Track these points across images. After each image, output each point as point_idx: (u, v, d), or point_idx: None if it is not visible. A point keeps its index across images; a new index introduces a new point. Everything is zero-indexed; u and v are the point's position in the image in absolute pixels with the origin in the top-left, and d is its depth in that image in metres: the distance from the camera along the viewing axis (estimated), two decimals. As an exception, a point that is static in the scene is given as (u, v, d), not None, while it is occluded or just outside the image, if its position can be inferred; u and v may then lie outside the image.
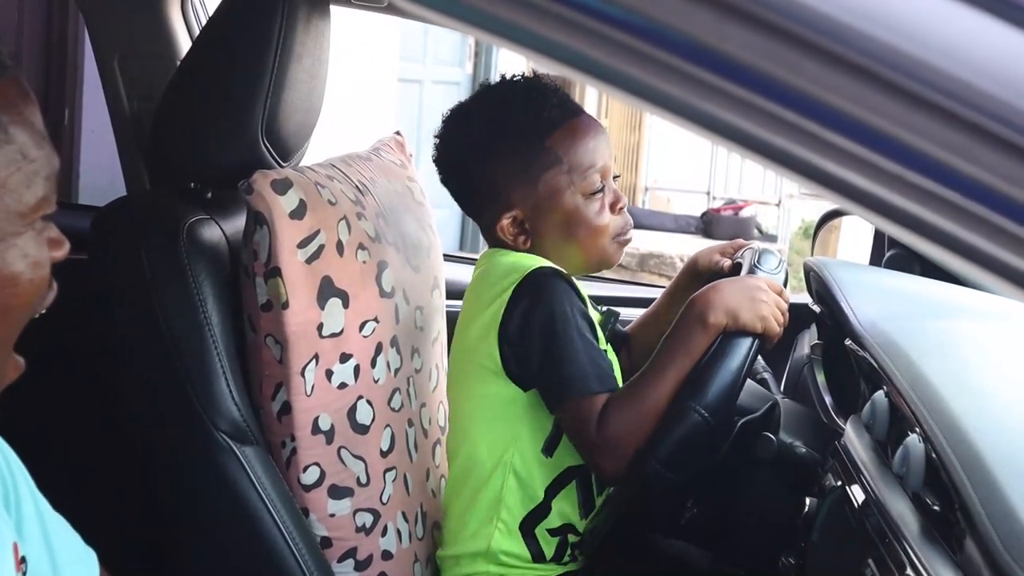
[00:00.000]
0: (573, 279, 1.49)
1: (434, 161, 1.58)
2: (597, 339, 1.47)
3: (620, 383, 1.57)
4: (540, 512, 1.51)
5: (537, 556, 1.52)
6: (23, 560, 0.94)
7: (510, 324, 1.45)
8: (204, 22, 1.99)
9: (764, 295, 1.42)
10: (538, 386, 1.47)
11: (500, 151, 1.51)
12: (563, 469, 1.51)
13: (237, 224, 1.44)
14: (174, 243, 1.36)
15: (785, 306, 1.45)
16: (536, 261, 1.48)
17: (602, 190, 1.50)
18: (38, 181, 0.83)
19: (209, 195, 1.48)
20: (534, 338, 1.44)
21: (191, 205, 1.43)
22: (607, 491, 1.54)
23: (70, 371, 1.73)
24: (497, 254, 1.54)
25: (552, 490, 1.51)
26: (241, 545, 1.39)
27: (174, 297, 1.35)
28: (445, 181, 1.57)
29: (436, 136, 1.58)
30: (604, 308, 1.59)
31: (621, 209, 1.51)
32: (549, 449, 1.50)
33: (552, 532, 1.52)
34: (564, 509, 1.52)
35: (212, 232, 1.42)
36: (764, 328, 1.41)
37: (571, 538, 1.54)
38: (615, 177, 1.52)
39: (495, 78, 1.60)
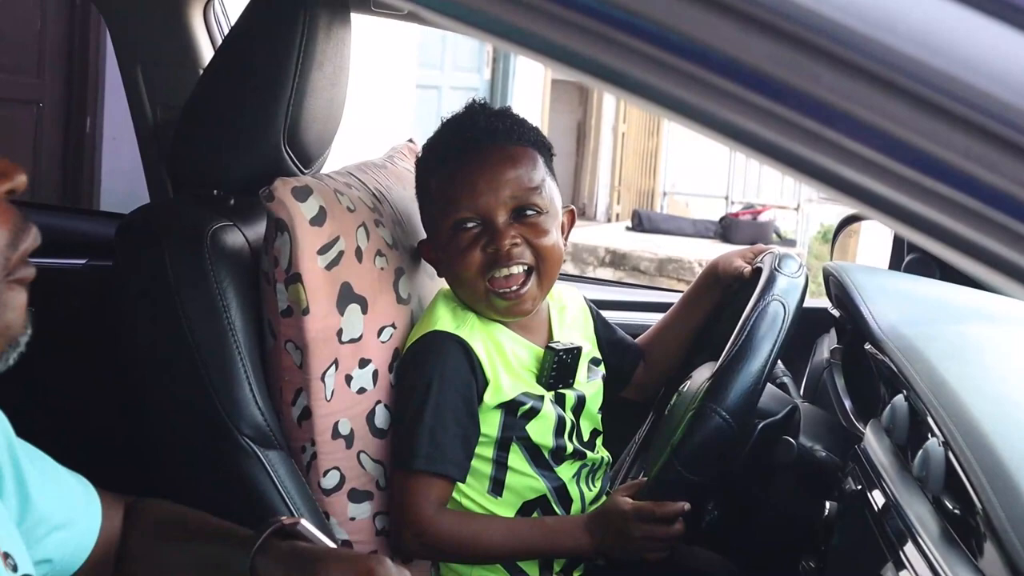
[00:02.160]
0: (467, 341, 1.46)
1: None
2: (469, 414, 1.46)
3: (598, 418, 1.60)
4: None
5: None
6: (7, 556, 0.95)
7: (394, 379, 1.50)
8: (226, 30, 2.01)
9: (634, 528, 1.42)
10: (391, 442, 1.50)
11: (417, 180, 1.57)
12: (519, 506, 1.52)
13: (260, 231, 1.45)
14: (198, 250, 1.37)
15: (660, 531, 1.43)
16: (440, 317, 1.49)
17: (475, 228, 1.46)
18: None
19: (232, 202, 1.49)
20: (400, 399, 1.49)
21: (214, 212, 1.44)
22: (575, 512, 1.54)
23: (95, 376, 1.74)
24: (433, 300, 1.56)
25: None
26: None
27: (198, 303, 1.36)
28: None
29: None
30: (564, 346, 1.54)
31: (494, 252, 1.44)
32: (495, 491, 1.51)
33: None
34: None
35: (235, 239, 1.43)
36: (645, 552, 1.44)
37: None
38: (525, 211, 1.46)
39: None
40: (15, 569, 0.94)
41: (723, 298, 1.72)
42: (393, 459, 1.48)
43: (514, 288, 1.47)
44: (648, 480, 1.46)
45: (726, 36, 0.46)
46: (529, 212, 1.46)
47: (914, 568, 1.10)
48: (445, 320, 1.49)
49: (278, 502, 1.38)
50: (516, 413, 1.49)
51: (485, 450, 1.49)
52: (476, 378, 1.46)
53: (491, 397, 1.47)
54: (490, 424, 1.48)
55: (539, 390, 1.51)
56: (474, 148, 1.47)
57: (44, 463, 1.06)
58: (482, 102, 1.56)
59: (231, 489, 1.39)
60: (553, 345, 1.52)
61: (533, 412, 1.49)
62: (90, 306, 1.75)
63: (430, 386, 1.44)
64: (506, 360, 1.49)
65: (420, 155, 1.57)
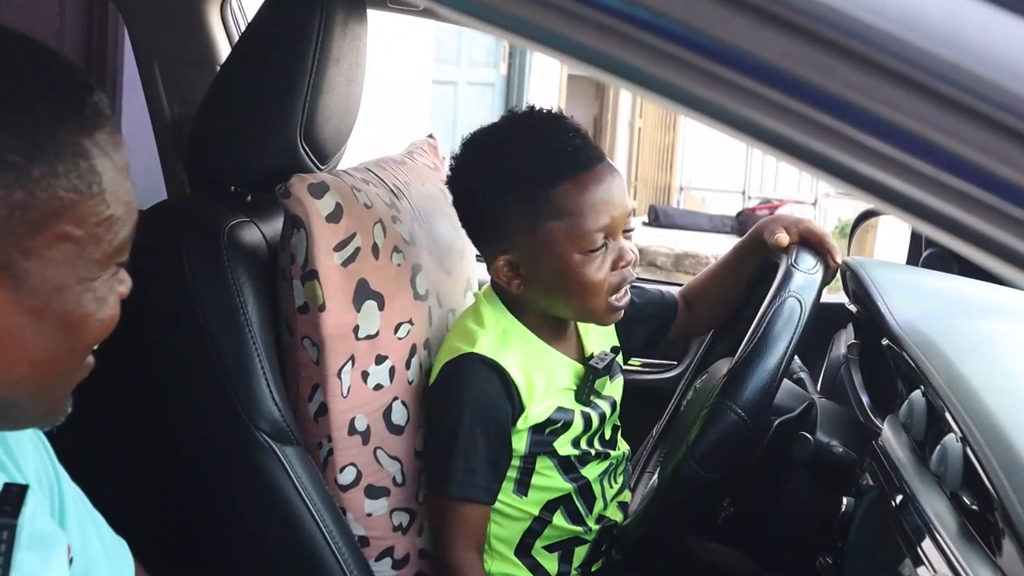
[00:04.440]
0: (507, 368, 1.44)
1: (447, 183, 1.53)
2: (502, 440, 1.45)
3: (613, 413, 1.58)
4: (533, 535, 1.53)
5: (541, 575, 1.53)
6: (70, 561, 0.96)
7: (428, 399, 1.50)
8: (243, 27, 2.01)
9: None
10: (425, 464, 1.51)
11: (506, 191, 1.44)
12: (544, 503, 1.52)
13: (277, 227, 1.46)
14: (215, 246, 1.37)
15: None
16: (481, 336, 1.46)
17: (604, 247, 1.43)
18: (121, 232, 0.85)
19: (249, 198, 1.50)
20: (432, 421, 1.49)
21: (231, 208, 1.45)
22: (598, 511, 1.55)
23: (109, 373, 1.75)
24: (475, 307, 1.53)
25: (539, 520, 1.52)
26: (281, 544, 1.41)
27: (215, 299, 1.36)
28: (456, 205, 1.53)
29: (452, 158, 1.53)
30: (602, 357, 1.53)
31: (624, 266, 1.45)
32: (521, 491, 1.51)
33: (551, 548, 1.53)
34: (559, 526, 1.53)
35: (252, 235, 1.43)
36: None
37: (579, 551, 1.54)
38: (628, 231, 1.47)
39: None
40: (71, 562, 0.96)
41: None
42: (428, 481, 1.49)
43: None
44: (663, 478, 1.46)
45: (741, 32, 0.46)
46: (628, 230, 1.47)
47: (932, 564, 1.09)
48: (485, 341, 1.46)
49: (295, 498, 1.38)
50: (545, 431, 1.48)
51: (512, 461, 1.49)
52: (513, 405, 1.45)
53: (523, 423, 1.46)
54: (518, 442, 1.48)
55: (574, 405, 1.51)
56: (588, 162, 1.42)
57: (93, 523, 1.07)
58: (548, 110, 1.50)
59: (248, 484, 1.40)
60: (594, 364, 1.51)
61: (564, 428, 1.49)
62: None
63: (465, 411, 1.43)
64: (547, 381, 1.49)
65: (503, 168, 1.44)
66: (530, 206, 1.42)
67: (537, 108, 1.50)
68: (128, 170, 0.87)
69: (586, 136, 1.46)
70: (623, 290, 1.46)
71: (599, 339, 1.60)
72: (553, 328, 1.52)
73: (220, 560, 1.49)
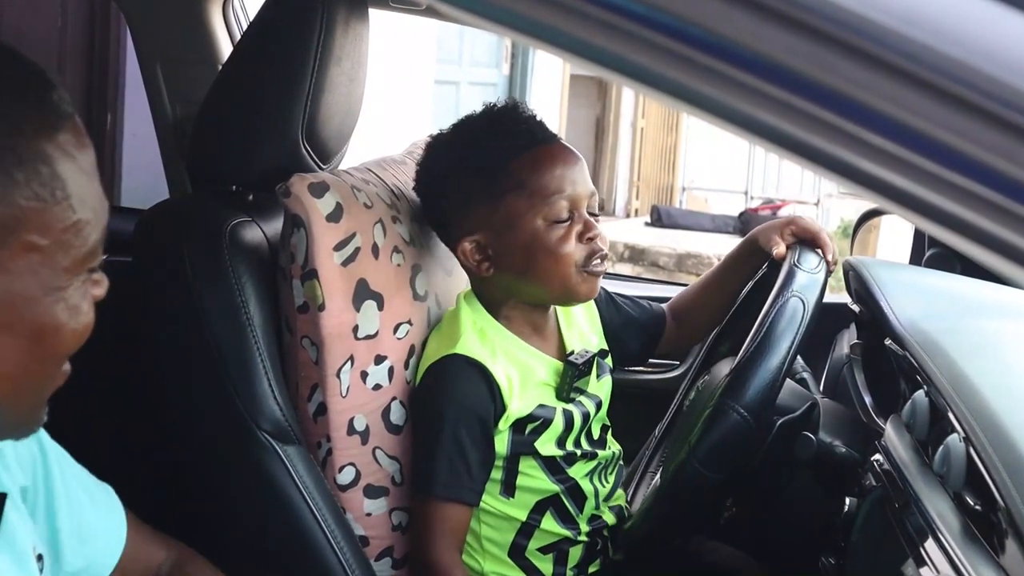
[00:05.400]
0: (488, 368, 1.44)
1: (414, 189, 1.57)
2: (486, 439, 1.45)
3: (606, 414, 1.57)
4: (525, 536, 1.52)
5: None
6: (40, 558, 0.95)
7: (413, 402, 1.50)
8: (245, 27, 2.01)
9: None
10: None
11: (464, 173, 1.48)
12: (532, 505, 1.51)
13: (278, 226, 1.45)
14: (217, 245, 1.37)
15: None
16: (463, 336, 1.47)
17: (569, 219, 1.45)
18: (91, 236, 0.81)
19: (250, 198, 1.50)
20: (416, 423, 1.49)
21: (233, 208, 1.45)
22: (590, 511, 1.54)
23: (112, 373, 1.75)
24: (455, 309, 1.53)
25: (530, 521, 1.52)
26: (283, 544, 1.41)
27: (217, 299, 1.36)
28: (421, 199, 1.56)
29: (416, 164, 1.57)
30: (582, 354, 1.54)
31: (591, 239, 1.46)
32: (508, 492, 1.51)
33: (544, 550, 1.53)
34: (549, 531, 1.53)
35: (254, 234, 1.43)
36: None
37: (573, 552, 1.54)
38: (595, 214, 1.48)
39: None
40: (41, 571, 0.95)
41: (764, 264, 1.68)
42: (412, 483, 1.49)
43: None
44: (666, 478, 1.46)
45: (743, 28, 0.46)
46: (595, 214, 1.47)
47: (935, 564, 1.09)
48: (467, 341, 1.47)
49: (297, 497, 1.38)
50: (524, 431, 1.48)
51: (496, 461, 1.49)
52: (495, 405, 1.45)
53: (504, 422, 1.47)
54: (500, 443, 1.48)
55: (554, 403, 1.51)
56: (545, 139, 1.47)
57: (77, 482, 1.06)
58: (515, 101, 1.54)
59: (250, 484, 1.40)
60: (573, 360, 1.51)
61: (544, 427, 1.49)
62: (109, 302, 1.76)
63: (449, 413, 1.43)
64: (526, 380, 1.49)
65: (461, 151, 1.50)
66: (490, 181, 1.46)
67: (492, 103, 1.54)
68: (95, 170, 0.83)
69: (542, 122, 1.50)
70: (595, 259, 1.47)
71: (582, 339, 1.59)
72: (532, 325, 1.53)
73: (221, 560, 1.48)
